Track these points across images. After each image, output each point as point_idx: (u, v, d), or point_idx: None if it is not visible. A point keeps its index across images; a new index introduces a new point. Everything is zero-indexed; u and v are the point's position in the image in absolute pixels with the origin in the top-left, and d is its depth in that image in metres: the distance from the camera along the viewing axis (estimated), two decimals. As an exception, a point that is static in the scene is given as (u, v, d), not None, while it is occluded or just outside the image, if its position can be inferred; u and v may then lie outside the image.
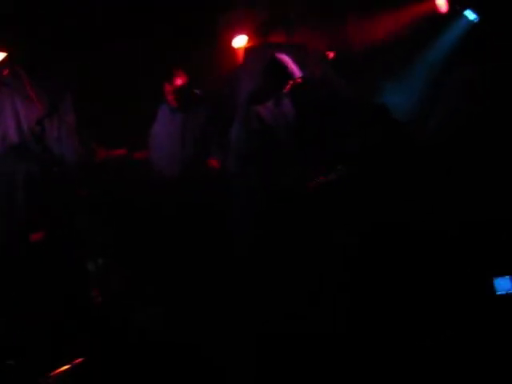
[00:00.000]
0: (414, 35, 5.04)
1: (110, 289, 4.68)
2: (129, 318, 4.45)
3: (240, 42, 5.67)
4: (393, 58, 5.22)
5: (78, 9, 5.05)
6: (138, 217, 4.94)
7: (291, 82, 4.78)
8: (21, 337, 4.12)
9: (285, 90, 4.82)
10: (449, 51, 5.10)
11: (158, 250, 4.84)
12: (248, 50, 5.50)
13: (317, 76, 5.05)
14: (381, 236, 4.47)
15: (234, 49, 5.68)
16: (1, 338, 4.09)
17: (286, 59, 4.78)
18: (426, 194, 4.58)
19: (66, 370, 3.92)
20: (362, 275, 4.37)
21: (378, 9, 5.07)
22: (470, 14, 5.03)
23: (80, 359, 3.91)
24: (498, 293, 4.11)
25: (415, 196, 4.56)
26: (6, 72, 4.44)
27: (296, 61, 4.84)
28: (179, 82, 4.99)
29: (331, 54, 5.08)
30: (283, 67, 4.76)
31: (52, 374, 3.89)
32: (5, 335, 4.11)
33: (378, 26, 5.11)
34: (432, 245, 4.38)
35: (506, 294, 4.09)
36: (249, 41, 5.60)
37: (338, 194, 4.72)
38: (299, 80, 4.87)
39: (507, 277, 4.14)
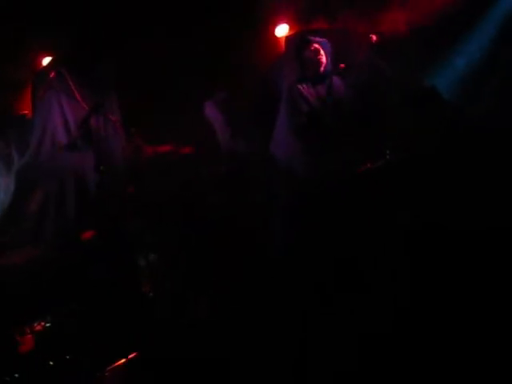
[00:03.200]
0: (460, 12, 4.84)
1: (161, 285, 4.72)
2: (178, 312, 4.49)
3: (282, 30, 5.65)
4: (439, 37, 5.05)
5: (120, 8, 5.10)
6: (185, 214, 4.97)
7: (333, 64, 4.73)
8: (76, 333, 4.19)
9: (326, 72, 4.74)
10: (498, 30, 4.89)
11: (205, 247, 4.85)
12: (289, 38, 5.46)
13: (361, 59, 4.94)
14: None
15: (276, 37, 5.66)
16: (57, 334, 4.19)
17: (324, 42, 4.74)
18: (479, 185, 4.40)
19: (122, 364, 3.98)
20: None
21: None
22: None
23: (134, 354, 3.96)
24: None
25: (468, 188, 4.39)
26: (52, 74, 4.53)
27: (338, 45, 4.78)
28: None
29: (374, 37, 4.96)
30: (322, 49, 4.72)
31: (108, 368, 3.96)
32: (61, 330, 4.20)
33: (421, 5, 4.94)
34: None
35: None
36: (290, 29, 5.57)
37: (386, 181, 4.61)
38: (343, 64, 4.81)
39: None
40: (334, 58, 4.92)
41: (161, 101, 5.07)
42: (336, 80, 4.91)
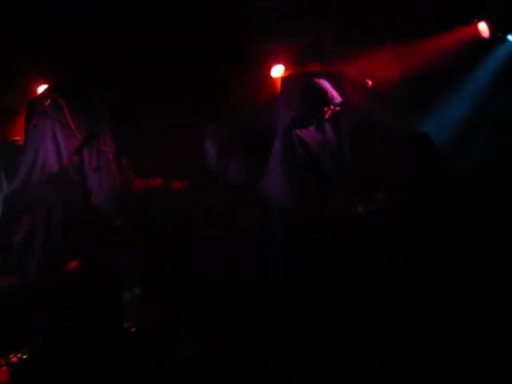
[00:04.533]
0: (455, 61, 4.94)
1: (145, 320, 4.64)
2: (162, 351, 4.40)
3: (277, 71, 5.74)
4: (433, 85, 5.13)
5: (119, 41, 5.14)
6: (175, 248, 4.93)
7: (332, 108, 4.74)
8: (52, 365, 4.09)
9: (326, 116, 4.77)
10: (491, 78, 4.98)
11: (194, 282, 4.80)
12: (285, 79, 5.52)
13: (356, 103, 5.00)
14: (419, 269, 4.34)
15: (272, 78, 5.73)
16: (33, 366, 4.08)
17: (326, 85, 4.76)
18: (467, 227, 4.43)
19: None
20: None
21: (417, 35, 4.99)
22: (514, 39, 4.93)
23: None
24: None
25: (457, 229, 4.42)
26: (47, 102, 4.52)
27: (334, 88, 4.82)
28: None
29: (370, 82, 5.03)
30: (323, 93, 4.73)
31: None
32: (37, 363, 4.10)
33: (417, 53, 5.04)
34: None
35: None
36: (286, 70, 5.65)
37: (378, 223, 4.63)
38: (337, 108, 4.85)
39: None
40: (331, 98, 4.94)
41: (155, 134, 5.07)
42: (331, 121, 4.94)
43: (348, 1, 5.13)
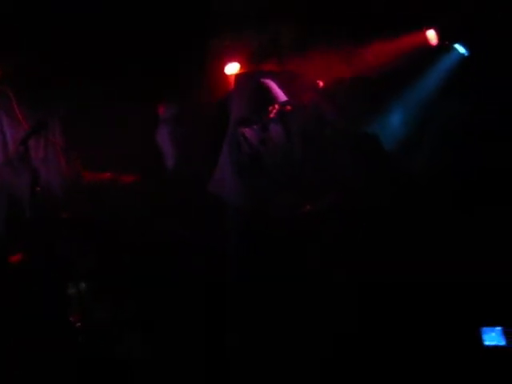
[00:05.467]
0: (403, 66, 5.05)
1: (90, 315, 4.59)
2: (108, 346, 4.37)
3: (232, 69, 5.73)
4: (382, 89, 5.23)
5: (69, 33, 5.06)
6: (121, 243, 4.88)
7: (277, 107, 4.80)
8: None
9: (271, 115, 4.83)
10: (438, 84, 5.11)
11: (140, 277, 4.77)
12: (239, 77, 5.54)
13: (306, 103, 5.06)
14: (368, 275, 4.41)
15: (226, 75, 5.73)
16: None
17: (271, 84, 4.82)
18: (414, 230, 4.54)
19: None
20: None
21: (368, 39, 5.09)
22: (460, 48, 5.06)
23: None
24: (487, 344, 3.98)
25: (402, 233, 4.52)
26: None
27: (285, 87, 4.88)
28: None
29: (321, 83, 5.10)
30: (267, 91, 4.79)
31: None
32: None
33: (368, 56, 5.13)
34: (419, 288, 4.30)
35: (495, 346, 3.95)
36: (241, 68, 5.65)
37: (325, 224, 4.69)
38: (288, 107, 4.90)
39: (498, 328, 3.99)
40: (275, 97, 5.00)
41: (104, 128, 5.01)
42: (280, 121, 4.99)
43: (306, 2, 5.17)
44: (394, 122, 5.18)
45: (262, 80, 4.95)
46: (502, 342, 3.91)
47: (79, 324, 4.51)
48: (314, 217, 4.68)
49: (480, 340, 3.99)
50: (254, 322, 4.42)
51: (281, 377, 4.05)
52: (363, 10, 5.08)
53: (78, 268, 4.77)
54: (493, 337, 3.96)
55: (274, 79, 5.04)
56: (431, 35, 5.06)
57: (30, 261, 4.52)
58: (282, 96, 4.85)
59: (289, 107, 4.94)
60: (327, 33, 5.18)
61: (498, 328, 3.97)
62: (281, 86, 5.00)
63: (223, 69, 5.71)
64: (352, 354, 4.09)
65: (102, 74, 5.09)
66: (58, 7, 4.80)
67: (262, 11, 5.34)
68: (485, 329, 3.99)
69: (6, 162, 4.45)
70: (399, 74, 5.11)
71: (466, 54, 5.05)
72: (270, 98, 4.85)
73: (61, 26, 4.88)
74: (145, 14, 5.29)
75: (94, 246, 4.82)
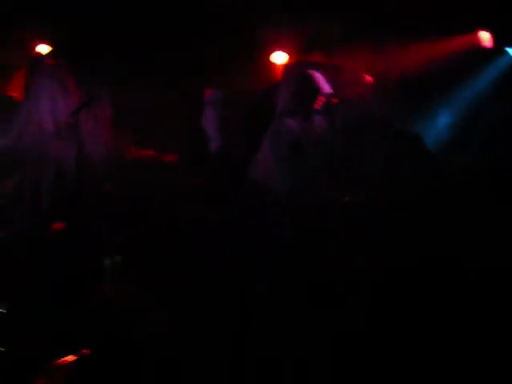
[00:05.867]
0: (453, 67, 5.01)
1: (123, 287, 4.67)
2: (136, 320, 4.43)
3: (280, 58, 5.75)
4: (430, 88, 5.20)
5: (121, 12, 5.15)
6: (158, 220, 4.94)
7: (322, 99, 4.82)
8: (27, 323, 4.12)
9: (316, 106, 4.85)
10: (488, 86, 5.06)
11: (173, 255, 4.82)
12: (286, 67, 5.56)
13: (352, 97, 5.07)
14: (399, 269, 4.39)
15: (273, 64, 5.76)
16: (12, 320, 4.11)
17: (317, 76, 4.84)
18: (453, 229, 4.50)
19: (70, 361, 3.90)
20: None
21: (418, 37, 5.06)
22: (513, 52, 5.01)
23: (85, 352, 3.89)
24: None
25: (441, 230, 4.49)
26: (50, 62, 4.53)
27: (332, 80, 4.89)
28: None
29: (368, 78, 5.10)
30: (314, 83, 4.81)
31: (55, 362, 3.87)
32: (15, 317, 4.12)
33: (418, 55, 5.10)
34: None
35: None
36: (289, 58, 5.67)
37: (362, 216, 4.69)
38: (335, 99, 4.91)
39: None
40: (320, 89, 5.02)
41: (152, 106, 5.08)
42: (325, 113, 5.01)
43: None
44: (441, 122, 5.15)
45: (309, 71, 4.96)
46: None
47: (111, 294, 4.59)
48: (351, 209, 4.68)
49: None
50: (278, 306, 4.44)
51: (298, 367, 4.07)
52: (416, 7, 5.05)
53: (115, 241, 4.86)
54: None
55: (321, 71, 5.06)
56: (485, 37, 5.00)
57: (70, 230, 4.61)
58: (327, 88, 4.85)
59: (335, 99, 4.95)
60: (377, 29, 5.17)
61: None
62: (328, 78, 5.02)
63: (271, 57, 5.76)
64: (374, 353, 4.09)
65: (153, 53, 5.17)
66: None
67: (312, 2, 5.36)
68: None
69: (55, 132, 4.54)
70: (449, 75, 5.08)
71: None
72: (316, 90, 4.87)
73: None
74: (195, 4, 5.36)
75: (133, 221, 4.89)
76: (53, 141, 4.58)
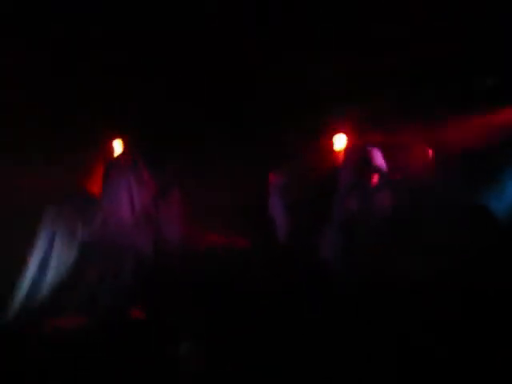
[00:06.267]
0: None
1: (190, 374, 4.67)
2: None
3: (340, 141, 5.92)
4: (493, 163, 5.22)
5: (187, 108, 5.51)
6: (230, 306, 5.00)
7: (382, 176, 4.93)
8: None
9: (372, 184, 4.95)
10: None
11: (243, 342, 4.84)
12: (348, 150, 5.71)
13: (414, 173, 5.14)
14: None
15: (334, 150, 5.93)
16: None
17: (375, 153, 4.97)
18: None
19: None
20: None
21: (477, 111, 5.15)
22: None
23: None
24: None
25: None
26: (126, 159, 4.86)
27: (393, 157, 5.01)
28: None
29: (430, 153, 5.18)
30: (373, 161, 4.94)
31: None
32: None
33: (477, 127, 5.17)
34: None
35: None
36: (348, 140, 5.85)
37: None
38: (397, 175, 5.00)
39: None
40: (389, 169, 5.13)
41: (222, 191, 5.29)
42: (388, 189, 5.09)
43: (407, 75, 5.35)
44: (506, 192, 5.11)
45: (369, 150, 5.12)
46: None
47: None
48: (421, 285, 4.64)
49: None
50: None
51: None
52: (470, 83, 5.19)
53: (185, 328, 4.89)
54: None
55: (380, 149, 5.20)
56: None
57: (148, 319, 4.73)
58: (383, 165, 5.00)
59: (397, 176, 5.04)
60: (436, 105, 5.31)
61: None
62: (388, 156, 5.14)
63: (331, 141, 5.95)
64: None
65: (218, 140, 5.46)
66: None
67: (364, 85, 5.58)
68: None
69: (133, 222, 4.79)
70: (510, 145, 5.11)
71: None
72: (375, 167, 4.99)
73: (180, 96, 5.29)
74: (259, 87, 5.68)
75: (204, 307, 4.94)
76: (132, 231, 4.82)
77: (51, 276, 4.76)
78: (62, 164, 5.26)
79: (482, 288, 4.54)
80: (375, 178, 5.06)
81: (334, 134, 5.91)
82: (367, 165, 5.10)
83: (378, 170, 5.06)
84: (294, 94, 5.72)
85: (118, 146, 5.47)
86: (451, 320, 4.47)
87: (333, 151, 5.91)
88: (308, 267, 5.12)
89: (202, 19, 5.02)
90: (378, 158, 5.09)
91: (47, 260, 4.83)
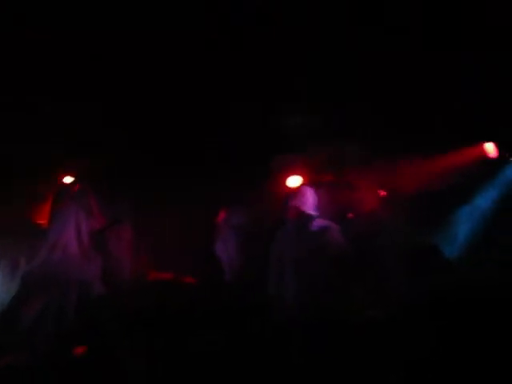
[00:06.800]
0: (464, 178, 5.17)
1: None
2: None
3: (293, 182, 5.96)
4: (443, 201, 5.32)
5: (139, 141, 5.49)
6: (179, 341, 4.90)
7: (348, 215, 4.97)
8: None
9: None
10: (498, 198, 5.17)
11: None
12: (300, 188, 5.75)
13: (366, 212, 5.19)
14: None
15: (287, 189, 5.95)
16: None
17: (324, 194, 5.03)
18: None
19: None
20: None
21: (427, 152, 5.28)
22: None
23: None
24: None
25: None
26: (75, 188, 4.78)
27: (345, 197, 5.06)
28: None
29: (382, 192, 5.25)
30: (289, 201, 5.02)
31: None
32: None
33: (428, 169, 5.29)
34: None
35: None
36: (302, 179, 5.89)
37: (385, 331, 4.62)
38: (349, 214, 5.04)
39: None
40: (342, 208, 5.17)
41: (172, 229, 5.24)
42: (342, 227, 5.11)
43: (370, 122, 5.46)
44: (457, 233, 5.20)
45: (317, 190, 5.19)
46: None
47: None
48: (373, 323, 4.62)
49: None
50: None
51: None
52: (425, 125, 5.32)
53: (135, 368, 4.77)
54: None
55: (333, 189, 5.25)
56: (489, 148, 5.21)
57: (91, 356, 4.56)
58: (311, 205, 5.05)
59: (349, 215, 5.07)
60: (389, 148, 5.41)
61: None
62: (340, 195, 5.19)
63: (285, 181, 5.98)
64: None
65: (171, 175, 5.43)
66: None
67: (325, 130, 5.67)
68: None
69: (80, 254, 4.67)
70: (460, 187, 5.22)
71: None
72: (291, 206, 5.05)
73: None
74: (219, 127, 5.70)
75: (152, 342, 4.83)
76: (78, 263, 4.69)
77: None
78: (11, 193, 5.17)
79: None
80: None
81: (289, 175, 5.97)
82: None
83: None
84: (253, 135, 5.77)
85: (68, 177, 5.38)
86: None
87: (287, 190, 5.94)
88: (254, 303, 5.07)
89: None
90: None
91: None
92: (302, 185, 5.46)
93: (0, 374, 4.15)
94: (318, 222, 5.09)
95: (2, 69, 4.58)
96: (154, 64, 4.89)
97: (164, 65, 4.90)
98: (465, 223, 5.25)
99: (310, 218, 5.09)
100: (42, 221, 5.20)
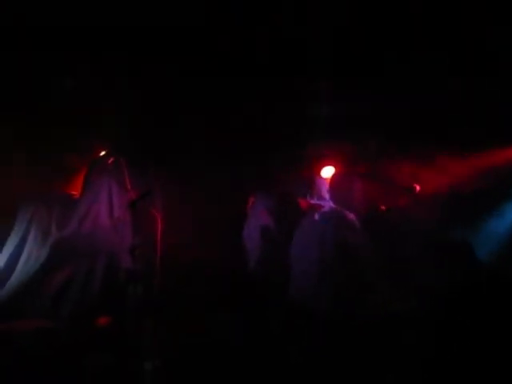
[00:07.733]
0: (497, 180, 5.09)
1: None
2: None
3: (327, 172, 5.93)
4: (477, 202, 5.24)
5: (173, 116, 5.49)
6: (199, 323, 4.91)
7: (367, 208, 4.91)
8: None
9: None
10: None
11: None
12: (333, 179, 5.71)
13: (400, 206, 5.13)
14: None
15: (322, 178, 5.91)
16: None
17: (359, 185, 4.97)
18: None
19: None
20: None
21: (465, 151, 5.20)
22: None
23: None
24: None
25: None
26: (110, 161, 4.80)
27: (378, 190, 5.00)
28: None
29: (417, 187, 5.19)
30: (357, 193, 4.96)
31: None
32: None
33: (468, 166, 5.21)
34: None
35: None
36: (335, 170, 5.85)
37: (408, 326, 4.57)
38: (382, 208, 4.98)
39: None
40: (374, 201, 5.11)
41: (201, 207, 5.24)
42: (373, 221, 5.06)
43: (402, 112, 5.39)
44: (489, 234, 5.13)
45: (354, 181, 5.11)
46: None
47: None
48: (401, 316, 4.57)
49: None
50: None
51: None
52: (460, 124, 5.25)
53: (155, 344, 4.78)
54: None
55: (367, 181, 5.19)
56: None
57: (114, 327, 4.60)
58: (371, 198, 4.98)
59: (381, 208, 5.02)
60: (424, 144, 5.35)
61: None
62: (374, 188, 5.13)
63: (319, 170, 5.95)
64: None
65: (206, 160, 5.43)
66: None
67: (359, 120, 5.62)
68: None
69: (111, 226, 4.70)
70: (494, 189, 5.14)
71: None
72: (360, 199, 4.98)
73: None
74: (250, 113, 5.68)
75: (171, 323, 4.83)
76: (107, 235, 4.73)
77: (19, 272, 4.63)
78: (48, 164, 5.22)
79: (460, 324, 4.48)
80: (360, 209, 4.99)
81: (322, 164, 5.93)
82: (353, 196, 5.07)
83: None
84: (285, 122, 5.74)
85: (102, 149, 5.41)
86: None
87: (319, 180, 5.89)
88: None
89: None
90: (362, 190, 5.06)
91: (18, 255, 4.72)
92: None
93: (26, 338, 4.20)
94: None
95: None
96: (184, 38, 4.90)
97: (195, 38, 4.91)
98: (498, 224, 5.18)
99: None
100: (75, 191, 5.25)
